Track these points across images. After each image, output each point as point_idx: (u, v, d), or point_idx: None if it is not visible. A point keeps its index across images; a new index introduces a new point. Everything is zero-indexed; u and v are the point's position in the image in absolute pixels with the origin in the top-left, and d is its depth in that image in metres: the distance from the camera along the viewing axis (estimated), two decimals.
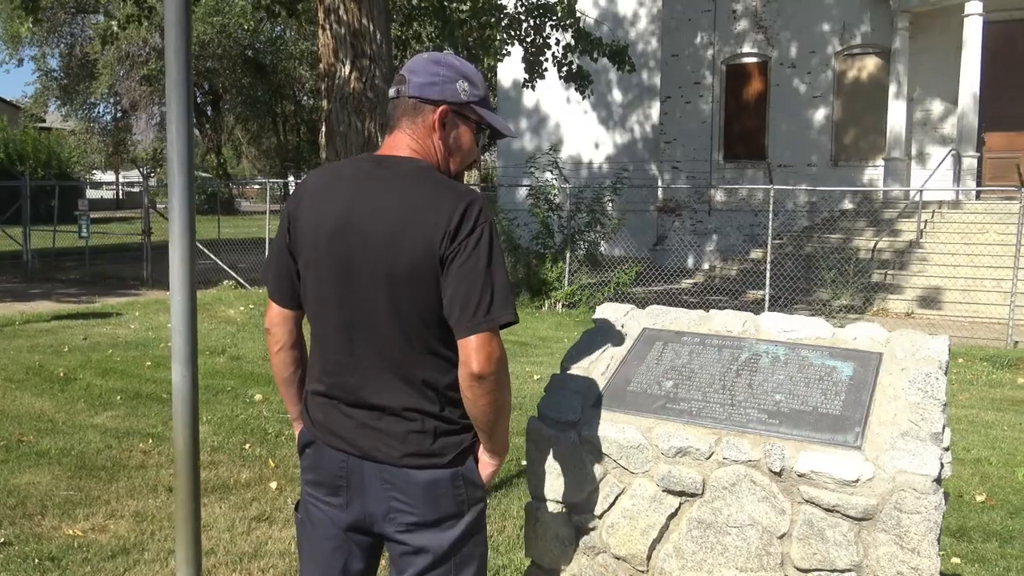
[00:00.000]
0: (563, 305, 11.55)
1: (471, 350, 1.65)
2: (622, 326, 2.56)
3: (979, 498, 4.37)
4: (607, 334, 2.51)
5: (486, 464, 1.83)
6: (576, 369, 2.38)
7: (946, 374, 2.14)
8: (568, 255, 11.87)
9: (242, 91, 40.21)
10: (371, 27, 9.77)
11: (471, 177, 41.78)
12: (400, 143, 1.81)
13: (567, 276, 11.80)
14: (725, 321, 2.48)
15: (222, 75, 38.94)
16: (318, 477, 1.85)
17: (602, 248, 12.62)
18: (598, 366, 2.38)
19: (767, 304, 10.76)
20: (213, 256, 14.54)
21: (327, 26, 9.82)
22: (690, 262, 17.53)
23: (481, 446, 1.82)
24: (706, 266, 17.11)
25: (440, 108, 1.78)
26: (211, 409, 6.02)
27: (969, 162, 14.27)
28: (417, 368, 1.73)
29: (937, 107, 15.63)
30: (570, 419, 2.21)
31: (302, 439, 1.92)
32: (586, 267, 11.98)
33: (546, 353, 8.31)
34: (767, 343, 2.35)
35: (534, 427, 2.26)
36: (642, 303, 10.39)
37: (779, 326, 2.40)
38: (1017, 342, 9.41)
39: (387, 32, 10.24)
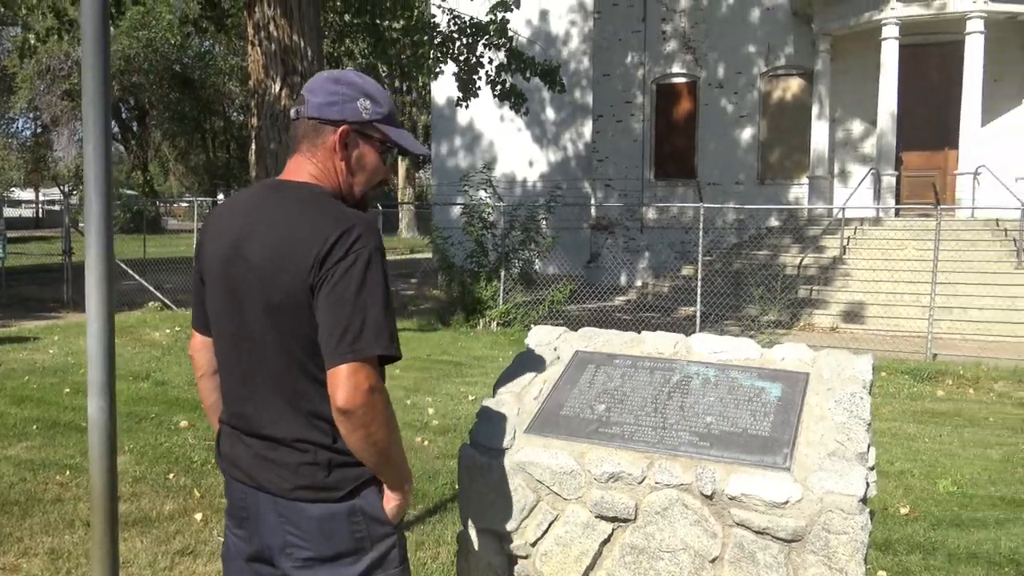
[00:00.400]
0: (498, 324, 11.53)
1: (335, 382, 1.55)
2: (554, 349, 2.55)
3: (903, 511, 4.48)
4: (539, 357, 2.49)
5: (389, 498, 1.71)
6: (508, 394, 2.35)
7: (870, 393, 2.18)
8: (502, 273, 11.87)
9: (169, 107, 39.30)
10: (302, 44, 9.68)
11: (405, 195, 41.63)
12: (300, 167, 1.76)
13: (502, 294, 11.80)
14: (657, 343, 2.49)
15: (148, 90, 38.01)
16: (228, 507, 1.83)
17: (537, 266, 12.67)
18: (530, 391, 2.36)
19: (698, 320, 10.93)
20: (138, 276, 14.10)
21: (257, 42, 9.69)
22: (623, 279, 17.72)
23: None
24: (639, 283, 17.32)
25: (340, 128, 1.72)
26: (134, 437, 5.80)
27: (888, 180, 14.80)
28: (305, 399, 1.67)
29: (857, 127, 16.18)
30: (502, 445, 2.18)
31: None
32: (521, 285, 11.99)
33: (480, 373, 8.27)
34: (698, 364, 2.36)
35: (466, 454, 2.22)
36: (576, 321, 10.42)
37: (709, 347, 2.42)
38: (936, 355, 9.74)
39: (319, 49, 10.15)
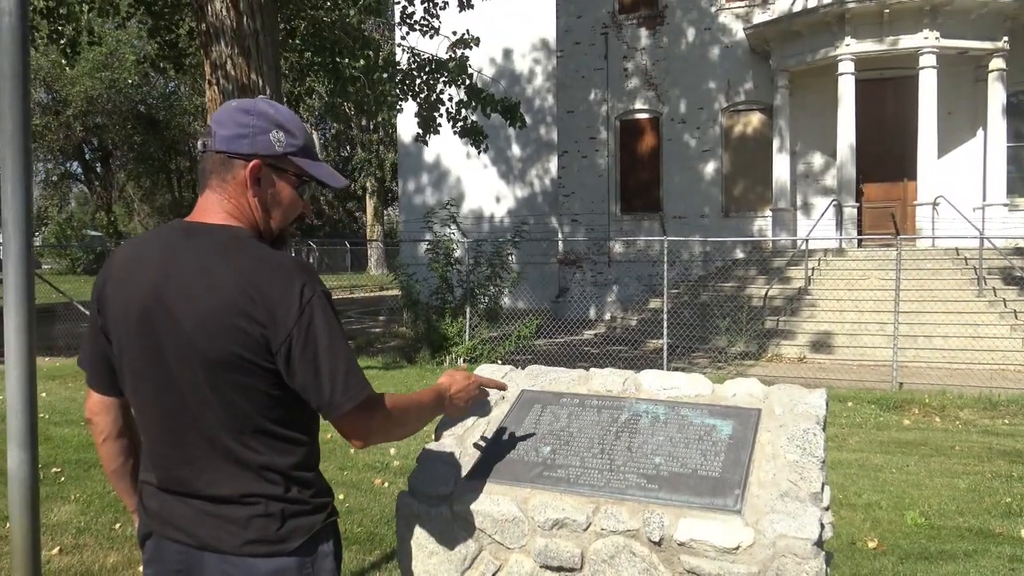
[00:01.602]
0: (464, 360, 11.40)
1: (347, 433, 1.62)
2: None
3: (871, 544, 4.40)
4: (484, 398, 2.39)
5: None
6: (450, 437, 2.24)
7: (824, 428, 2.10)
8: (468, 309, 11.76)
9: (134, 147, 38.98)
10: (260, 82, 9.61)
11: (373, 232, 41.50)
12: (212, 205, 1.64)
13: (468, 330, 11.68)
14: (605, 380, 2.40)
15: (112, 131, 37.70)
16: (156, 572, 1.66)
17: (505, 301, 12.59)
18: (473, 433, 2.25)
19: (665, 353, 10.88)
20: None
21: (215, 81, 9.61)
22: (592, 313, 17.70)
23: None
24: (607, 316, 17.30)
25: (252, 163, 1.61)
26: (80, 486, 5.57)
27: (850, 211, 14.97)
28: (252, 453, 1.56)
29: (818, 160, 16.41)
30: (442, 492, 2.06)
31: (141, 531, 1.72)
32: (487, 321, 11.88)
33: None
34: (647, 402, 2.27)
35: (404, 503, 2.10)
36: (545, 355, 10.29)
37: (659, 384, 2.33)
38: (902, 383, 9.76)
39: (278, 88, 10.09)
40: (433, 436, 2.29)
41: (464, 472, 2.11)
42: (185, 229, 1.62)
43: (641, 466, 2.04)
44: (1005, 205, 14.81)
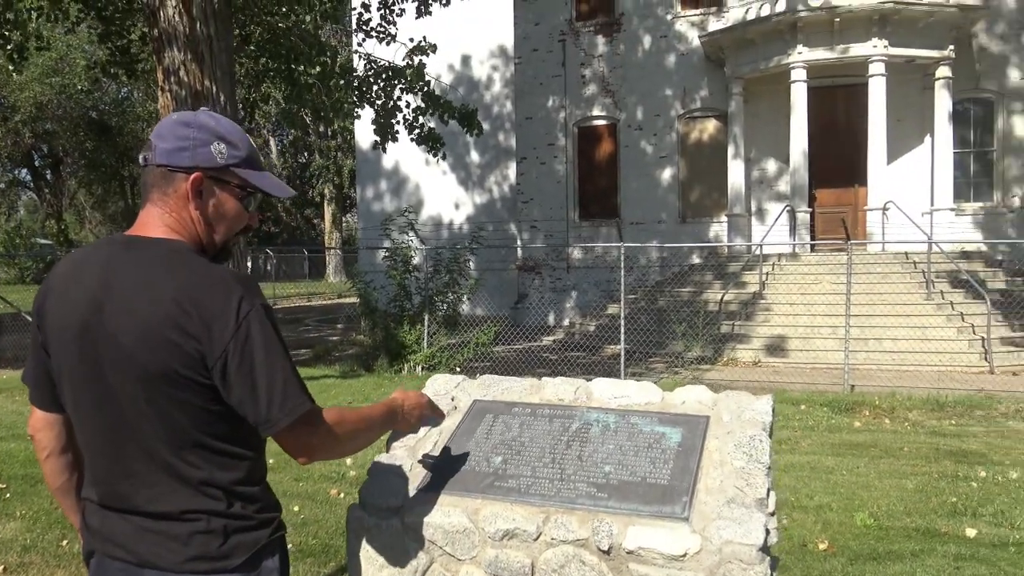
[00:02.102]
0: (423, 368, 11.35)
1: (286, 447, 1.59)
2: (452, 399, 2.44)
3: (822, 546, 4.48)
4: (435, 416, 2.38)
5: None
6: (401, 448, 2.23)
7: (771, 434, 2.14)
8: (426, 317, 11.73)
9: (85, 154, 38.22)
10: (214, 89, 9.49)
11: (332, 239, 41.17)
12: (153, 219, 1.62)
13: (426, 338, 11.64)
14: (557, 389, 2.41)
15: (63, 137, 36.93)
16: None
17: (464, 308, 12.58)
18: (425, 444, 2.25)
19: (623, 358, 10.95)
20: None
21: (167, 87, 9.47)
22: (551, 319, 17.76)
23: None
24: (566, 322, 17.37)
25: (193, 175, 1.60)
26: (27, 502, 5.44)
27: (803, 217, 15.25)
28: (192, 469, 1.54)
29: (772, 166, 16.68)
30: (392, 504, 2.05)
31: (85, 548, 1.69)
32: (445, 328, 11.85)
33: None
34: (598, 411, 2.28)
35: (354, 516, 2.09)
36: (504, 362, 10.27)
37: (610, 392, 2.35)
38: (853, 386, 9.95)
39: (232, 94, 9.97)
40: (384, 448, 2.28)
41: (415, 484, 2.11)
42: (125, 243, 1.60)
43: (591, 475, 2.05)
44: (952, 210, 15.21)
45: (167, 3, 9.00)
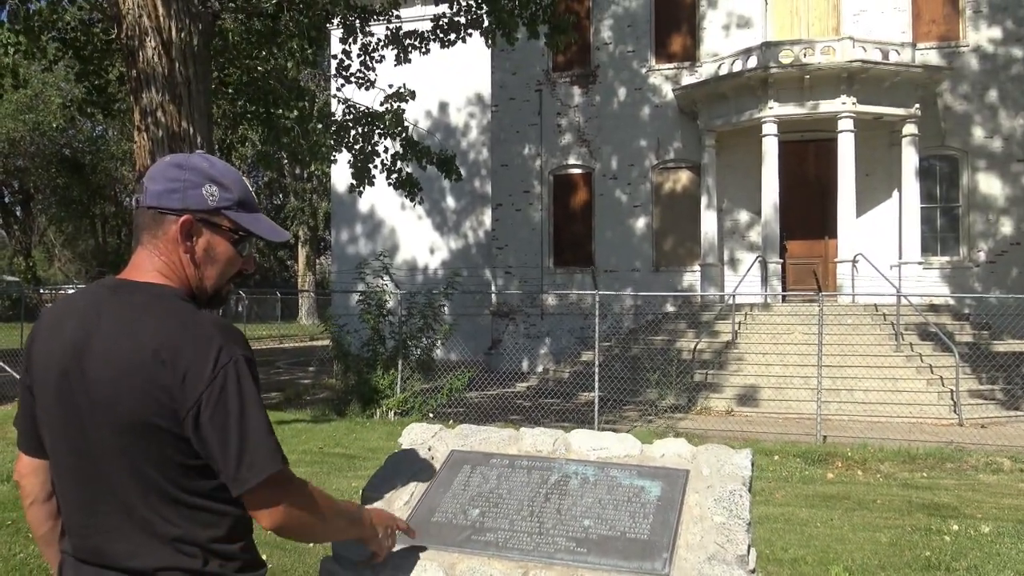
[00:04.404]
0: (395, 413, 11.24)
1: (251, 508, 1.51)
2: (429, 449, 2.41)
3: None
4: (413, 459, 2.35)
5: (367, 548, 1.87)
6: (377, 500, 2.19)
7: (751, 489, 2.13)
8: (400, 362, 11.64)
9: (56, 191, 37.87)
10: (191, 130, 9.47)
11: (305, 281, 40.94)
12: (143, 263, 1.59)
13: (399, 383, 11.54)
14: (535, 440, 2.38)
15: (34, 174, 36.62)
16: None
17: (437, 352, 12.51)
18: (401, 495, 2.21)
19: (597, 406, 10.92)
20: (9, 368, 13.21)
21: (144, 128, 9.43)
22: (525, 365, 17.71)
23: None
24: (540, 369, 17.33)
25: (183, 218, 1.57)
26: (8, 547, 5.26)
27: (774, 267, 15.44)
28: (168, 524, 1.49)
29: (744, 217, 16.92)
30: (366, 558, 2.01)
31: None
32: (419, 373, 11.77)
33: (375, 465, 7.89)
34: (577, 463, 2.26)
35: (327, 568, 2.04)
36: (477, 408, 10.16)
37: (589, 444, 2.33)
38: (826, 436, 9.98)
39: (209, 136, 9.96)
40: (359, 498, 2.24)
41: None
42: (113, 287, 1.57)
43: (570, 529, 2.02)
44: (919, 263, 15.47)
45: (146, 44, 9.01)
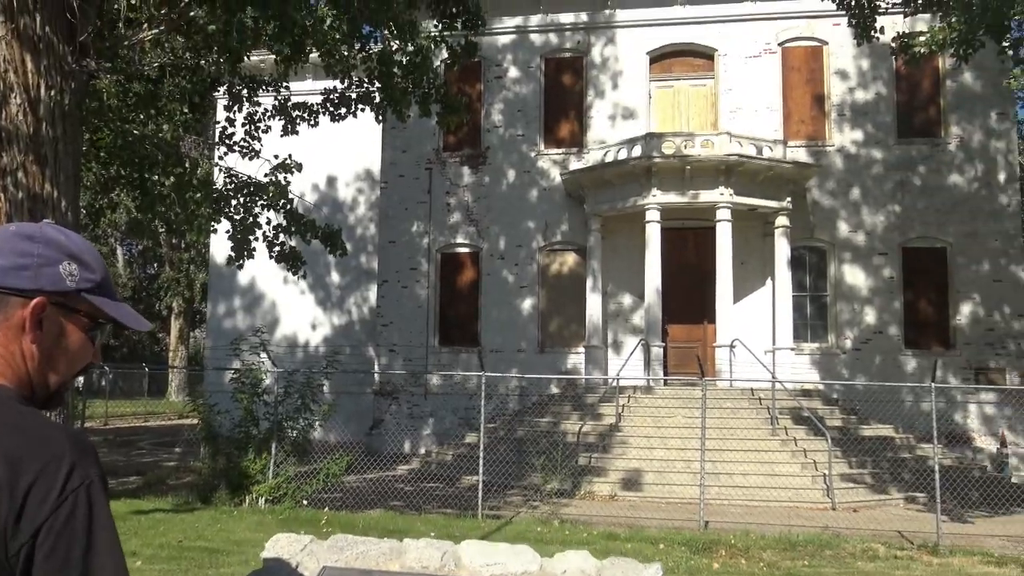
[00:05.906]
0: (267, 500, 10.54)
1: None
2: (297, 565, 2.11)
3: None
4: None
5: None
6: None
7: None
8: (274, 444, 11.00)
9: None
10: (55, 193, 8.84)
11: (177, 356, 38.96)
12: None
13: (272, 467, 10.87)
14: (420, 554, 2.12)
15: None
16: None
17: (316, 434, 11.92)
18: None
19: (480, 490, 10.59)
20: None
21: (3, 188, 8.75)
22: (407, 447, 17.19)
23: None
24: (423, 451, 16.84)
25: (35, 301, 1.28)
26: None
27: (656, 351, 15.68)
28: None
29: (628, 300, 17.23)
30: None
31: None
32: (294, 456, 11.13)
33: (240, 562, 7.33)
34: None
35: None
36: (355, 493, 9.63)
37: (482, 559, 2.09)
38: (707, 522, 9.97)
39: (75, 200, 9.34)
40: None
41: None
42: None
43: None
44: (792, 349, 16.07)
45: (11, 101, 8.44)
